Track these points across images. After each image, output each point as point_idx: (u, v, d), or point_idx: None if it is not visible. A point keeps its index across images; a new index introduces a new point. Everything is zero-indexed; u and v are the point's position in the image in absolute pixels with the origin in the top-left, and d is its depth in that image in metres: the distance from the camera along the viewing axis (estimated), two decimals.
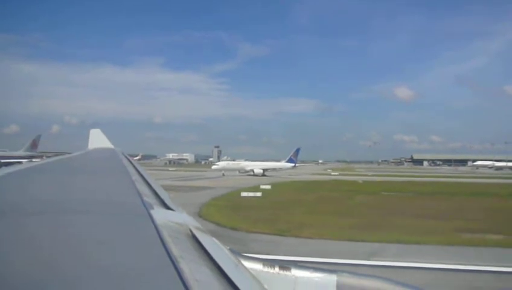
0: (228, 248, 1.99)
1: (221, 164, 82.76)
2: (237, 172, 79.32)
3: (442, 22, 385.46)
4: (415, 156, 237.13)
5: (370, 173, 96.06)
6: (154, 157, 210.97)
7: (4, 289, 1.06)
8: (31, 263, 1.30)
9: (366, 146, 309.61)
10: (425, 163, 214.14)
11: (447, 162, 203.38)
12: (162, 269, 1.29)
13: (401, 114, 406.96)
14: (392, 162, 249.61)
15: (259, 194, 37.93)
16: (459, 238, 18.32)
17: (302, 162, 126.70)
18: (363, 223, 22.22)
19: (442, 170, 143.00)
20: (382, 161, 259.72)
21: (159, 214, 2.03)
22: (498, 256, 15.27)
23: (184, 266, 1.30)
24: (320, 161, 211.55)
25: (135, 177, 4.06)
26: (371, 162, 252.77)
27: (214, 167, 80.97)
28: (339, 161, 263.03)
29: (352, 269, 2.61)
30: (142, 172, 4.76)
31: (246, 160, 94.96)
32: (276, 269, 2.14)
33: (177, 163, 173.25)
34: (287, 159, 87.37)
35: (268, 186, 46.39)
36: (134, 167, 5.62)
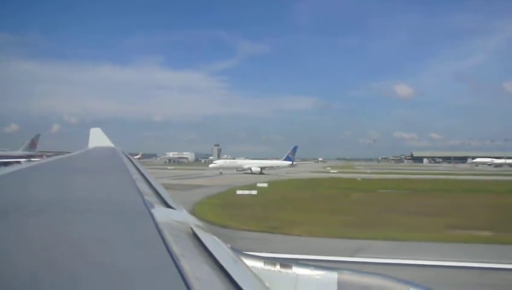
0: (229, 246, 2.01)
1: (219, 162, 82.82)
2: (235, 170, 79.46)
3: (441, 20, 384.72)
4: (415, 154, 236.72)
5: (369, 171, 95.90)
6: (154, 156, 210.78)
7: (4, 288, 1.07)
8: (31, 262, 1.30)
9: (366, 144, 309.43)
10: (425, 160, 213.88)
11: (447, 159, 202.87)
12: (163, 267, 1.30)
13: (401, 112, 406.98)
14: (392, 159, 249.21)
15: (254, 192, 37.92)
16: (447, 235, 18.36)
17: (303, 160, 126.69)
18: (354, 221, 22.26)
19: (442, 167, 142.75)
20: (382, 158, 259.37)
21: (160, 213, 2.06)
22: (483, 252, 15.31)
23: (185, 264, 1.31)
24: (320, 159, 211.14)
25: (135, 176, 4.10)
26: (371, 160, 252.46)
27: (211, 165, 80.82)
28: (338, 159, 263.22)
29: (354, 267, 2.62)
30: (143, 171, 4.81)
31: (246, 158, 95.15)
32: (278, 267, 2.16)
33: (177, 162, 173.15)
34: (285, 157, 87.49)
35: (265, 185, 46.41)
36: (134, 165, 5.67)
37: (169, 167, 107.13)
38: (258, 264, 2.14)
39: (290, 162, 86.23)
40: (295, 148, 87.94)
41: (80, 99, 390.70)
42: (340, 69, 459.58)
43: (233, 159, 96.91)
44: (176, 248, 1.46)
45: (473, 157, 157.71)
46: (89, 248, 1.47)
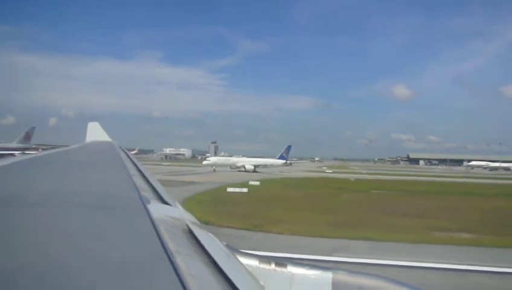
0: (225, 243, 2.01)
1: (213, 160, 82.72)
2: (229, 168, 79.47)
3: (441, 22, 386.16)
4: (411, 155, 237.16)
5: (364, 171, 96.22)
6: (151, 151, 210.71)
7: (1, 282, 1.05)
8: (26, 256, 1.28)
9: (363, 144, 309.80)
10: (421, 162, 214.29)
11: (443, 161, 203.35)
12: (158, 263, 1.28)
13: (399, 113, 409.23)
14: (388, 160, 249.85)
15: (245, 190, 37.96)
16: (427, 237, 18.41)
17: (299, 159, 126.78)
18: (339, 221, 22.26)
19: (437, 169, 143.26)
20: (378, 159, 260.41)
21: (156, 209, 2.05)
22: (460, 254, 15.32)
23: (180, 261, 1.30)
24: (316, 158, 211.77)
25: (132, 171, 4.08)
26: (367, 160, 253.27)
27: (205, 162, 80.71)
28: (335, 159, 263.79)
29: (349, 267, 2.58)
30: (139, 166, 4.79)
31: (243, 156, 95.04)
32: (273, 265, 2.13)
33: (174, 158, 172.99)
34: (279, 155, 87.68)
35: (257, 183, 46.46)
36: (131, 160, 5.65)
37: (164, 163, 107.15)
38: (253, 263, 2.12)
39: (284, 161, 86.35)
40: (289, 147, 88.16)
41: (78, 93, 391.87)
42: (340, 70, 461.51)
43: (231, 156, 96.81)
44: (171, 245, 1.45)
45: (469, 161, 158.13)
46: (84, 242, 1.45)
